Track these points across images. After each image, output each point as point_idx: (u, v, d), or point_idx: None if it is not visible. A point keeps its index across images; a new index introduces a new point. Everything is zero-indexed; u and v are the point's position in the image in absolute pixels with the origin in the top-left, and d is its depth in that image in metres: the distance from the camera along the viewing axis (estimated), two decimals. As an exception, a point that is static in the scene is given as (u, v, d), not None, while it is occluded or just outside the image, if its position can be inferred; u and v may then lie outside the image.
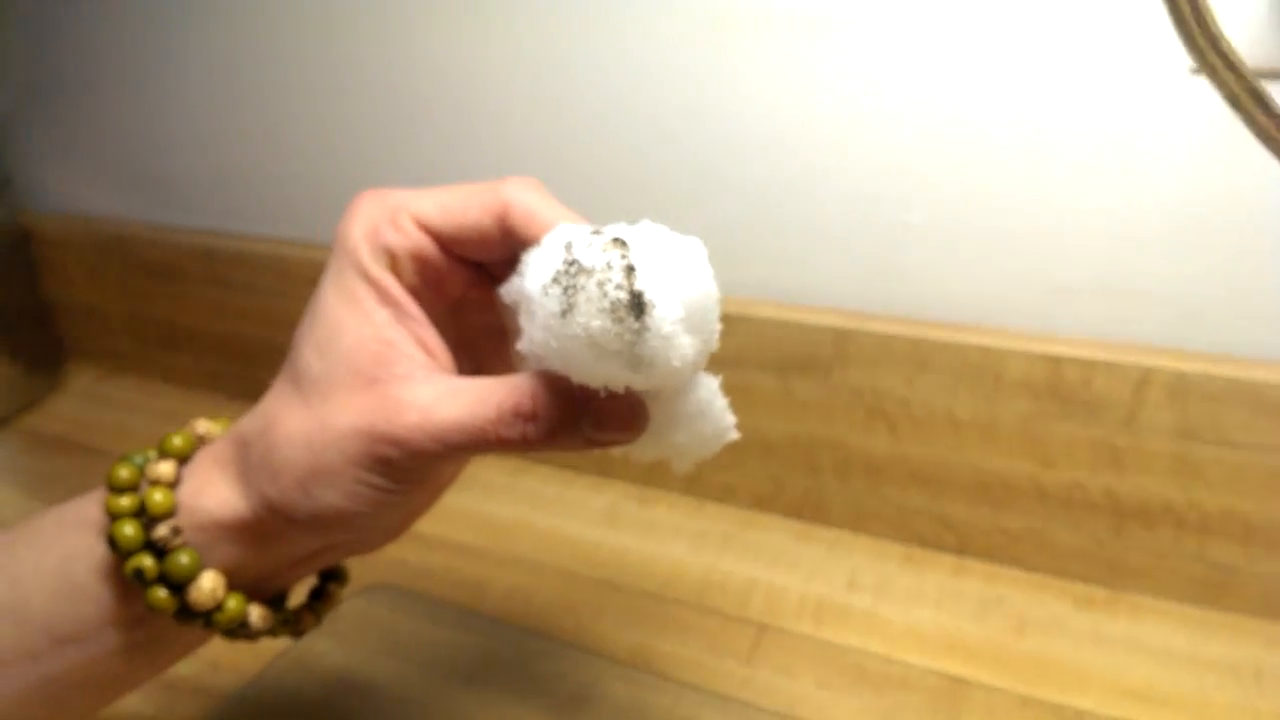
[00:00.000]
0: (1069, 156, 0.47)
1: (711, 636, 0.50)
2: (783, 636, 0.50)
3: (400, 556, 0.56)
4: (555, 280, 0.27)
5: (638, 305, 0.26)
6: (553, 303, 0.27)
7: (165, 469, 0.34)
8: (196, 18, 0.67)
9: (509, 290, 0.32)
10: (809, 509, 0.58)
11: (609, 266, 0.27)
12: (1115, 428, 0.48)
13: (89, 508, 0.35)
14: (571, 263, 0.27)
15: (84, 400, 0.80)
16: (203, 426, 0.37)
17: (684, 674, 0.48)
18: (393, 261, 0.33)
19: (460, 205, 0.33)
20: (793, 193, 0.54)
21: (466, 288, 0.35)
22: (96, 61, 0.73)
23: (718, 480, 0.60)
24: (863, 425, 0.54)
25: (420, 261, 0.33)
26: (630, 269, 0.26)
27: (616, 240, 0.27)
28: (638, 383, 0.28)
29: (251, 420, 0.34)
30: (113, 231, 0.77)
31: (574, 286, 0.27)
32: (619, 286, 0.26)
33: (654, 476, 0.62)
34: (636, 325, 0.26)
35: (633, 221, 0.29)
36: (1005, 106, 0.48)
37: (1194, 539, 0.49)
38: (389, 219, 0.33)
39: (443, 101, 0.62)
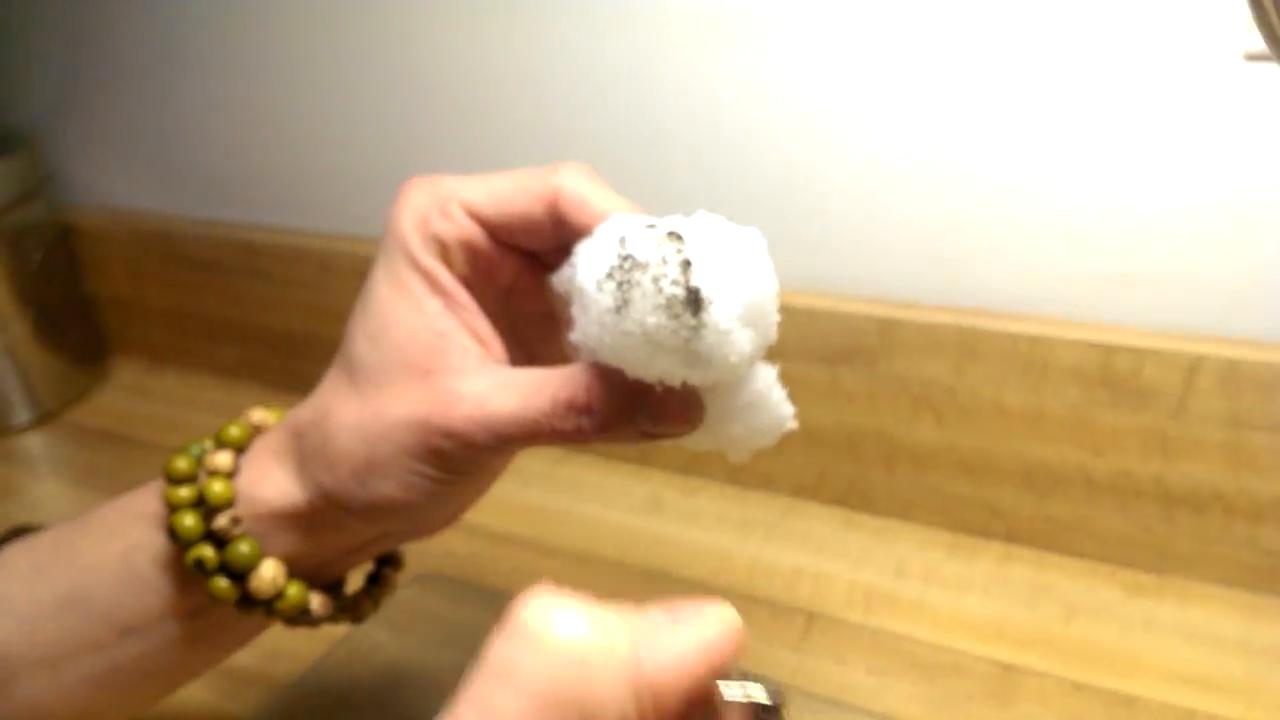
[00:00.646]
0: (1118, 143, 0.47)
1: (762, 624, 0.51)
2: (832, 624, 0.50)
3: (448, 546, 0.56)
4: (609, 275, 0.27)
5: (694, 301, 0.26)
6: (607, 298, 0.27)
7: (223, 459, 0.34)
8: (237, 13, 0.68)
9: (560, 279, 0.32)
10: (853, 497, 0.58)
11: (664, 261, 0.26)
12: (1165, 415, 0.48)
13: (148, 499, 0.35)
14: (626, 257, 0.27)
15: (128, 393, 0.81)
16: (258, 416, 0.37)
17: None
18: (443, 251, 0.33)
19: (510, 193, 0.33)
20: (838, 181, 0.54)
21: (516, 275, 0.35)
22: (137, 56, 0.74)
23: (760, 469, 0.61)
24: (909, 414, 0.54)
25: (471, 250, 0.33)
26: (687, 264, 0.26)
27: (672, 234, 0.27)
28: (694, 378, 0.28)
29: (306, 410, 0.34)
30: (154, 226, 0.78)
31: (629, 282, 0.26)
32: (675, 282, 0.26)
33: (695, 465, 0.63)
34: (693, 322, 0.26)
35: (687, 213, 0.28)
36: (1055, 92, 0.47)
37: (1244, 525, 0.49)
38: (439, 207, 0.33)
39: (483, 98, 0.62)
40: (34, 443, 0.76)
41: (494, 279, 0.34)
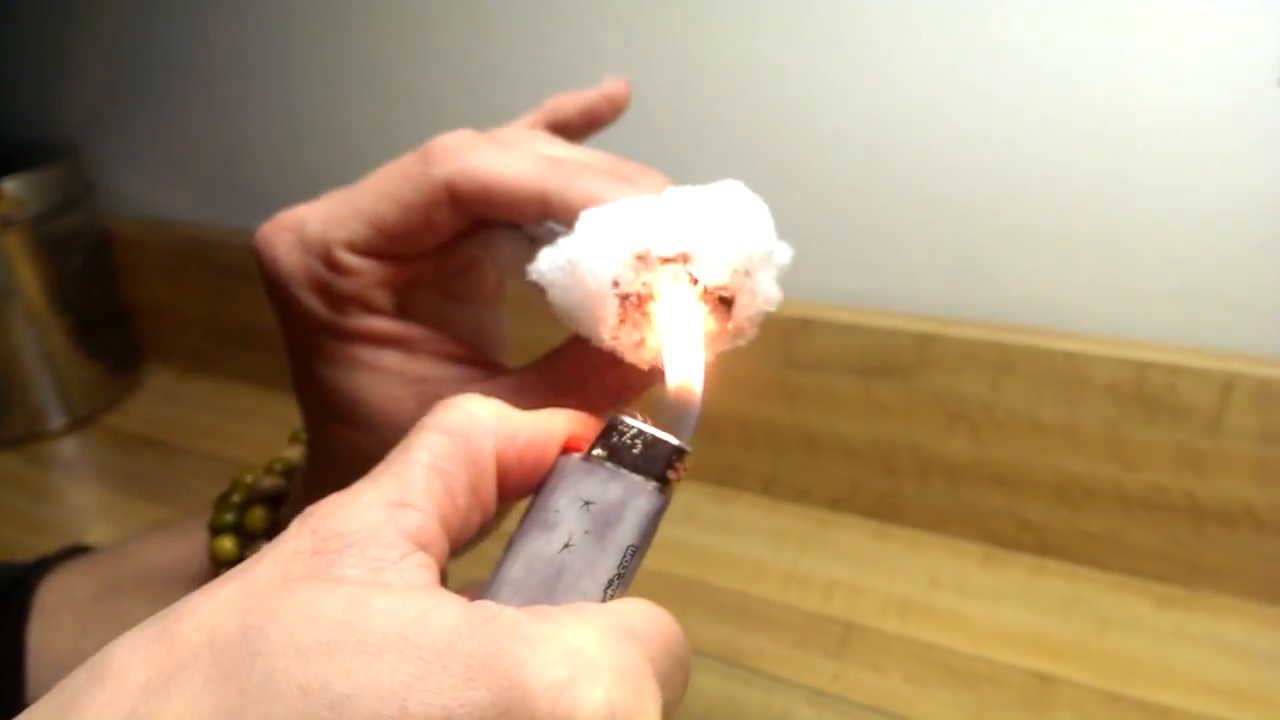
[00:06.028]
0: (1155, 162, 0.48)
1: (800, 632, 0.51)
2: (869, 633, 0.51)
3: (486, 550, 0.57)
4: (618, 319, 0.26)
5: (724, 306, 0.26)
6: (621, 337, 0.26)
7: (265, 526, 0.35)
8: (274, 27, 0.69)
9: (505, 259, 0.30)
10: (886, 510, 0.59)
11: (675, 281, 0.25)
12: (1199, 432, 0.49)
13: (188, 562, 0.36)
14: (626, 296, 0.26)
15: (162, 400, 0.82)
16: (290, 455, 0.38)
17: (774, 668, 0.49)
18: (363, 302, 0.29)
19: (395, 215, 0.28)
20: (876, 197, 0.55)
21: (435, 263, 0.31)
22: (175, 66, 0.75)
23: (794, 481, 0.61)
24: (943, 428, 0.55)
25: (387, 284, 0.29)
26: (702, 286, 0.25)
27: (666, 260, 0.25)
28: (735, 344, 0.27)
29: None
30: (190, 234, 0.79)
31: (641, 314, 0.26)
32: (699, 299, 0.26)
33: (729, 477, 0.64)
34: (728, 321, 0.26)
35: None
36: (1091, 111, 0.49)
37: (1275, 540, 0.50)
38: (323, 261, 0.28)
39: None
40: (69, 447, 0.77)
41: (418, 283, 0.31)
